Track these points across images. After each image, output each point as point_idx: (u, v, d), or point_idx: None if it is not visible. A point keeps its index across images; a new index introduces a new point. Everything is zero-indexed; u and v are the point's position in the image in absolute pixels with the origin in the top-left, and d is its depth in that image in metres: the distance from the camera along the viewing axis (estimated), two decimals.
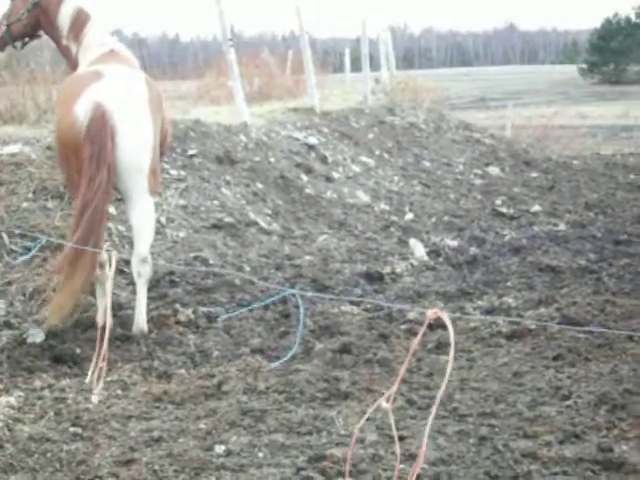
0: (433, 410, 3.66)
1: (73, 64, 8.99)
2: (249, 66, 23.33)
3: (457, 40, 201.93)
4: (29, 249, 9.61)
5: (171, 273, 9.66)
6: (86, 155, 7.23)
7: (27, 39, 9.58)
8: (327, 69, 30.66)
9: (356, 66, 31.76)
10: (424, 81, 30.30)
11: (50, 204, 10.67)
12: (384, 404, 3.84)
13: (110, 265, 6.88)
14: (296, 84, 24.33)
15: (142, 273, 7.78)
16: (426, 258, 11.21)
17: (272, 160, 14.45)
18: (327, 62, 36.50)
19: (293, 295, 7.82)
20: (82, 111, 7.31)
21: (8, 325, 8.13)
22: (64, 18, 8.89)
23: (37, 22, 9.16)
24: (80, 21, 8.84)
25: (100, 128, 7.27)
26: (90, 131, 7.26)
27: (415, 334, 7.58)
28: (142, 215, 7.81)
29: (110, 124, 7.32)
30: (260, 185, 13.35)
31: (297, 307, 8.08)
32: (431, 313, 3.51)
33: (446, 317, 3.44)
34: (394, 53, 30.78)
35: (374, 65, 25.77)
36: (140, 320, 7.75)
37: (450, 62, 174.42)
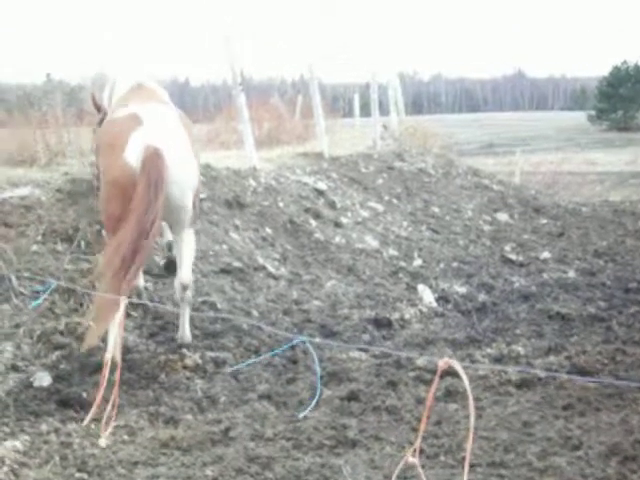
0: (466, 466, 3.62)
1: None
2: (259, 110, 23.40)
3: (466, 86, 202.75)
4: (38, 292, 9.60)
5: (179, 317, 9.64)
6: (142, 187, 7.55)
7: None
8: (336, 114, 30.79)
9: (365, 111, 31.88)
10: (433, 126, 30.41)
11: (59, 247, 10.67)
12: (411, 459, 3.80)
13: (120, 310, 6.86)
14: (305, 129, 24.41)
15: (185, 298, 8.50)
16: (435, 304, 11.17)
17: (281, 205, 14.45)
18: (336, 107, 36.68)
19: (302, 342, 7.78)
20: (133, 155, 7.69)
21: (15, 368, 8.10)
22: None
23: None
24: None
25: (155, 162, 7.64)
26: (146, 166, 7.61)
27: (424, 382, 7.56)
28: (185, 245, 8.42)
29: (163, 162, 7.69)
30: (269, 230, 13.35)
31: (305, 353, 8.07)
32: (442, 362, 3.49)
33: (459, 366, 3.41)
34: (403, 98, 30.89)
35: (383, 110, 25.83)
36: (186, 333, 8.64)
37: (459, 108, 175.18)
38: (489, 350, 8.80)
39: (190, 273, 8.47)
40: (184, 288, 8.40)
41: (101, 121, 10.32)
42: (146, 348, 8.62)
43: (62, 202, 11.61)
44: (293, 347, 8.41)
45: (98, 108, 10.58)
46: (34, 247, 10.51)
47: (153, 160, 7.63)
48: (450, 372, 4.51)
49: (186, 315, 8.62)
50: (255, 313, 10.05)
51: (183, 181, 8.06)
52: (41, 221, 11.03)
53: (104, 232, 9.49)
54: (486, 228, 18.00)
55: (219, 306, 10.25)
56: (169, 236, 9.94)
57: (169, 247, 10.01)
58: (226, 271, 11.28)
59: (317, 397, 7.01)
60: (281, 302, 10.75)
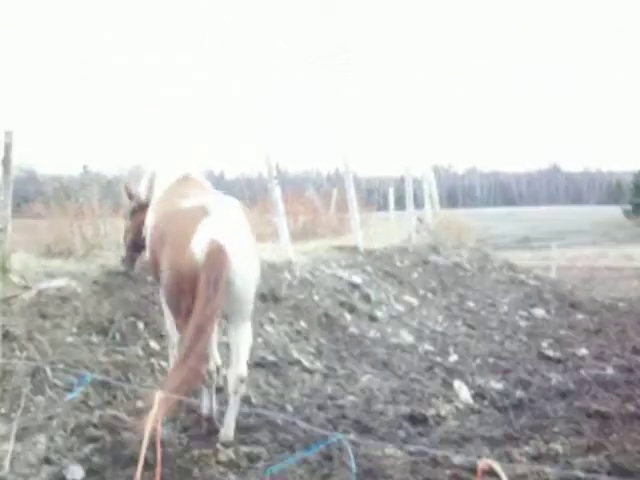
0: None
1: None
2: (294, 203, 23.52)
3: (500, 179, 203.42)
4: (72, 384, 9.59)
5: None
6: (203, 282, 7.72)
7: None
8: (371, 207, 30.93)
9: (399, 204, 32.00)
10: (468, 220, 30.43)
11: (94, 339, 10.70)
12: None
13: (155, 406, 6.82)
14: (340, 222, 24.52)
15: (239, 390, 8.46)
16: (471, 401, 11.02)
17: (316, 298, 14.44)
18: (371, 200, 36.85)
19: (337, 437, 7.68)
20: (199, 247, 7.91)
21: (48, 461, 8.08)
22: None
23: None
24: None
25: (217, 258, 7.81)
26: (208, 261, 7.79)
27: (460, 479, 7.43)
28: (243, 338, 8.50)
29: (226, 258, 7.86)
30: (304, 323, 13.31)
31: (340, 450, 7.97)
32: (482, 463, 3.41)
33: (499, 468, 3.34)
34: (437, 192, 31.00)
35: (417, 203, 25.92)
36: (229, 430, 8.47)
37: (494, 201, 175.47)
38: (527, 448, 8.64)
39: (246, 366, 8.51)
40: (241, 381, 8.41)
41: (133, 210, 10.62)
42: (179, 442, 8.56)
43: (98, 294, 11.67)
44: (329, 443, 8.31)
45: (130, 196, 10.80)
46: (69, 338, 10.54)
47: (216, 256, 7.81)
48: (487, 471, 4.43)
49: (234, 410, 8.52)
50: (289, 408, 9.97)
51: (246, 275, 8.23)
52: (77, 312, 11.07)
53: (168, 322, 9.67)
54: (522, 323, 17.82)
55: (253, 400, 10.19)
56: (217, 360, 9.87)
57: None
58: (260, 365, 11.23)
59: None
60: (316, 397, 10.67)
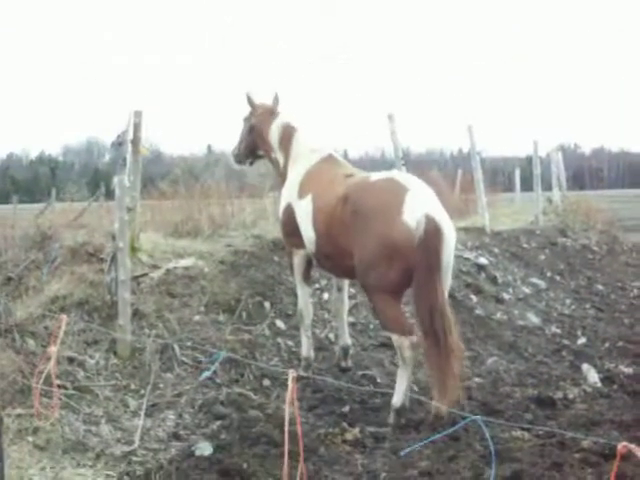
0: None
1: (282, 173, 10.55)
2: None
3: (629, 160, 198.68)
4: (201, 362, 9.74)
5: (339, 390, 9.60)
6: (417, 263, 8.14)
7: (251, 159, 11.47)
8: (497, 188, 30.57)
9: (525, 186, 31.50)
10: (596, 202, 29.75)
11: (221, 318, 10.84)
12: None
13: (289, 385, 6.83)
14: (465, 203, 24.29)
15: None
16: (599, 385, 10.78)
17: None
18: (496, 181, 36.42)
19: (463, 419, 7.59)
20: (412, 218, 8.25)
21: (177, 437, 8.22)
22: (274, 134, 10.58)
23: (254, 143, 11.07)
24: (287, 134, 10.47)
25: (435, 242, 8.16)
26: (424, 243, 8.12)
27: (590, 464, 7.28)
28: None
29: (441, 238, 8.21)
30: None
31: (467, 431, 7.89)
32: (621, 447, 3.31)
33: (639, 452, 3.23)
34: (564, 173, 30.40)
35: (544, 184, 25.45)
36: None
37: (622, 183, 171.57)
38: None
39: None
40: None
41: (250, 120, 11.10)
42: (306, 421, 8.60)
43: (224, 273, 11.80)
44: (455, 424, 8.22)
45: (252, 106, 11.12)
46: (197, 317, 10.70)
47: (433, 239, 8.16)
48: (616, 456, 4.29)
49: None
50: (415, 388, 9.92)
51: (452, 250, 8.61)
52: (204, 292, 11.22)
53: (302, 302, 10.26)
54: None
55: (379, 380, 10.18)
56: (347, 340, 10.13)
57: (345, 353, 10.20)
58: (386, 345, 11.19)
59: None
60: None
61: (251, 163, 11.64)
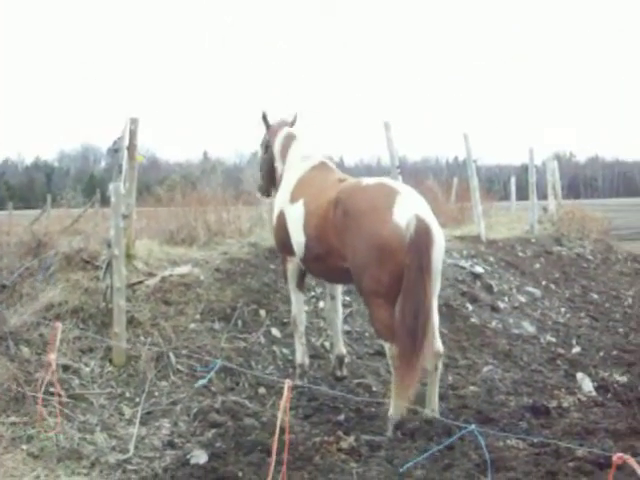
0: None
1: (279, 181, 10.58)
2: None
3: (623, 169, 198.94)
4: (196, 370, 9.73)
5: (334, 399, 9.59)
6: (408, 263, 8.05)
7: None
8: (492, 196, 30.56)
9: (521, 194, 31.53)
10: (591, 211, 29.75)
11: (217, 325, 10.83)
12: None
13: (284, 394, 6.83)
14: (461, 211, 24.30)
15: (438, 366, 8.88)
16: (594, 393, 10.80)
17: None
18: (492, 190, 36.44)
19: (459, 428, 7.60)
20: (403, 218, 8.22)
21: (172, 445, 8.21)
22: (278, 145, 10.67)
23: (271, 162, 11.01)
24: (286, 143, 10.58)
25: (425, 242, 8.12)
26: (414, 242, 8.06)
27: (585, 473, 7.28)
28: (437, 316, 8.78)
29: (433, 238, 8.21)
30: None
31: (462, 440, 7.88)
32: (617, 458, 3.30)
33: (635, 463, 3.23)
34: (560, 182, 30.41)
35: (539, 193, 25.47)
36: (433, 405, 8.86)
37: (616, 192, 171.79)
38: None
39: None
40: (439, 356, 8.81)
41: (268, 143, 11.01)
42: (301, 429, 8.59)
43: (220, 281, 11.80)
44: (450, 433, 8.22)
45: (268, 127, 11.10)
46: (192, 325, 10.69)
47: (423, 239, 8.10)
48: (611, 465, 4.29)
49: (437, 386, 8.96)
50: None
51: (442, 254, 8.58)
52: (199, 300, 11.22)
53: (295, 309, 10.26)
54: None
55: (374, 389, 10.18)
56: (342, 349, 10.16)
57: (340, 362, 10.21)
58: (381, 353, 11.18)
59: None
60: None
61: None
